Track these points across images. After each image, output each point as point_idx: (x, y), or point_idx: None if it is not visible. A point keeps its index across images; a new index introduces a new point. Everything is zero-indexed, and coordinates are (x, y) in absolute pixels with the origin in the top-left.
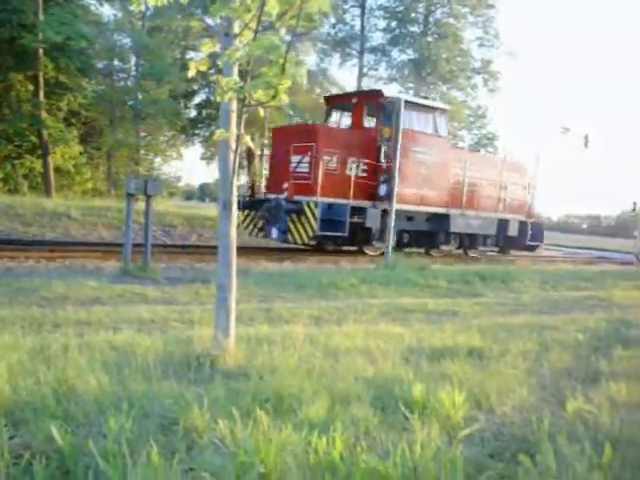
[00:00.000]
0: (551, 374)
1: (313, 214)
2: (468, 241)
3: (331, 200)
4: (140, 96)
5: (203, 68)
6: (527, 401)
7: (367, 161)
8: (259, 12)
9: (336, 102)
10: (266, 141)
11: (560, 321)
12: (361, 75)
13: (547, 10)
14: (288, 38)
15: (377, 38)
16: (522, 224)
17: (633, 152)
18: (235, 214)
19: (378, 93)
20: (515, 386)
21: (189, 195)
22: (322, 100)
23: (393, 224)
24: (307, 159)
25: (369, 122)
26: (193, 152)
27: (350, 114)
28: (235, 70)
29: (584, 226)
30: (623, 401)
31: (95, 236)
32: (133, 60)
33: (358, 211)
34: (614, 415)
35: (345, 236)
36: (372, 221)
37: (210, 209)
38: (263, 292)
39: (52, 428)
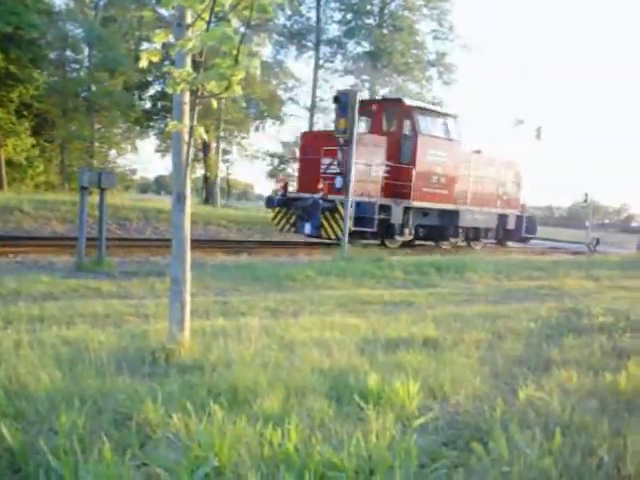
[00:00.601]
0: (504, 362)
1: None
2: (473, 234)
3: (361, 199)
4: (94, 87)
5: (155, 59)
6: (480, 389)
7: (390, 162)
8: (212, 2)
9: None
10: (222, 134)
11: (513, 310)
12: (317, 67)
13: (508, 9)
14: (243, 29)
15: (333, 30)
16: (518, 218)
17: (585, 145)
18: (189, 206)
19: (398, 101)
20: (469, 375)
21: (145, 188)
22: (278, 91)
23: (411, 220)
24: (336, 161)
25: (388, 127)
26: (148, 144)
27: (370, 119)
28: (188, 61)
29: (538, 216)
30: (574, 388)
31: (48, 230)
32: (86, 51)
33: (384, 208)
34: (565, 402)
35: (374, 231)
36: (396, 217)
37: (166, 202)
38: (220, 285)
39: (2, 426)
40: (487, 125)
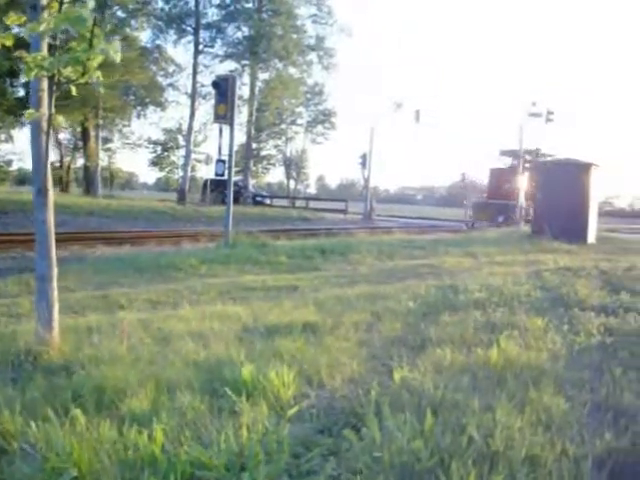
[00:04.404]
0: (382, 344)
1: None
2: None
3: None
4: None
5: (9, 43)
6: (357, 373)
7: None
8: None
9: (507, 153)
10: (101, 122)
11: (394, 290)
12: (197, 52)
13: None
14: (121, 14)
15: (212, 14)
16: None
17: (460, 126)
18: (52, 199)
19: (537, 156)
20: (346, 359)
21: (23, 180)
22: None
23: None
24: (512, 184)
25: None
26: (26, 134)
27: (515, 162)
28: (44, 45)
29: (419, 197)
30: (447, 366)
31: None
32: None
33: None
34: (438, 380)
35: (529, 219)
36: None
37: None
38: (100, 279)
39: None
40: (366, 110)
